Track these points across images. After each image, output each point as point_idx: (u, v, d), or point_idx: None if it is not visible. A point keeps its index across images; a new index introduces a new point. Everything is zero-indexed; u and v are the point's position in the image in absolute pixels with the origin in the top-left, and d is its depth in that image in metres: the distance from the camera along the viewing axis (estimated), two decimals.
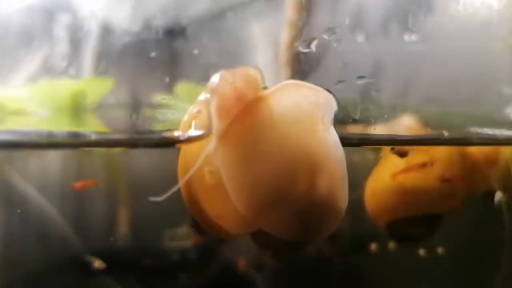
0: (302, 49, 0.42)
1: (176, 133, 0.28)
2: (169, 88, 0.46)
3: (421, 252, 0.46)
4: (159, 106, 0.46)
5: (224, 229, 0.27)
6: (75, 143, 0.35)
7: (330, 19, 0.46)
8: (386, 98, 0.44)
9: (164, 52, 0.47)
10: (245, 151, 0.25)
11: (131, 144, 0.37)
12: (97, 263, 0.44)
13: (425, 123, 0.41)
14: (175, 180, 0.46)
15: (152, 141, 0.31)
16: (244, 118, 0.25)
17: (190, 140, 0.27)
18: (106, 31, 0.45)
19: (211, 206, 0.27)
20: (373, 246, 0.47)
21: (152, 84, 0.47)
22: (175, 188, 0.25)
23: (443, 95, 0.46)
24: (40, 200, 0.46)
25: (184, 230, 0.49)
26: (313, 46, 0.43)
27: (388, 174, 0.40)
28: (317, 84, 0.28)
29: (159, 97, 0.46)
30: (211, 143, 0.24)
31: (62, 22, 0.45)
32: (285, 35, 0.46)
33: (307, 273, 0.50)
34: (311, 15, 0.45)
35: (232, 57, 0.48)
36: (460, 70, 0.46)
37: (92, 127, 0.45)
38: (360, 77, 0.42)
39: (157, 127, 0.46)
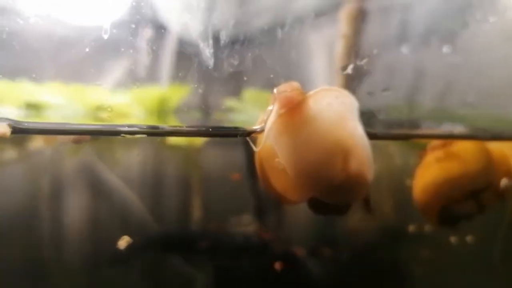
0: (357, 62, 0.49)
1: (254, 127, 0.39)
2: (237, 94, 0.52)
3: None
4: (229, 109, 0.52)
5: (288, 199, 0.36)
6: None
7: (379, 33, 0.52)
8: (426, 102, 0.51)
9: (231, 61, 0.53)
10: (294, 140, 0.33)
11: (218, 135, 0.46)
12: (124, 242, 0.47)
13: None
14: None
15: (237, 132, 0.39)
16: (293, 115, 0.33)
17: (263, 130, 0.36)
18: (180, 42, 0.51)
19: (279, 184, 0.35)
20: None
21: (222, 90, 0.53)
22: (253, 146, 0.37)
23: (477, 100, 0.53)
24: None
25: (248, 217, 0.55)
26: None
27: (432, 167, 0.47)
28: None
29: (229, 102, 0.52)
30: (268, 125, 0.34)
31: (144, 35, 0.50)
32: (339, 47, 0.52)
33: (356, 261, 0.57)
34: (363, 29, 0.52)
35: (291, 65, 0.54)
36: (492, 78, 0.53)
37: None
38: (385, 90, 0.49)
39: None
